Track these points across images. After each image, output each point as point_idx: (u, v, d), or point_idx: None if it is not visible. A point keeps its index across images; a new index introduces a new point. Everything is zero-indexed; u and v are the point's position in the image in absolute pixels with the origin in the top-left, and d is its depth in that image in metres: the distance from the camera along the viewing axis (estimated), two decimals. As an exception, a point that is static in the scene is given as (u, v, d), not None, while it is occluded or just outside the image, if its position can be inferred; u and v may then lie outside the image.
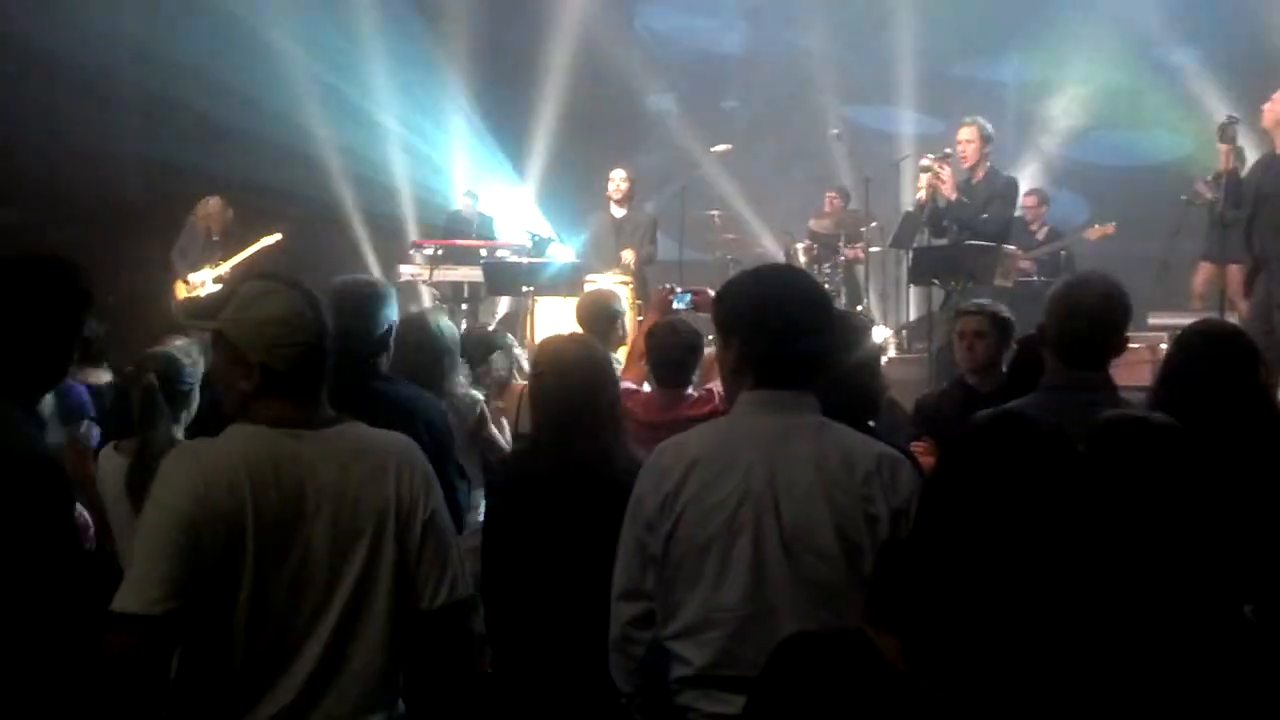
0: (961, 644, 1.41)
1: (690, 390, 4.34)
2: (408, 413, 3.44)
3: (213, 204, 9.52)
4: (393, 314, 3.74)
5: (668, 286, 5.09)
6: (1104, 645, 1.54)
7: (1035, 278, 8.99)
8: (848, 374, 2.85)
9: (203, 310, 2.35)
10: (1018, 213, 9.62)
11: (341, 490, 2.26)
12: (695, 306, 4.80)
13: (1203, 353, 3.19)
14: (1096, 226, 9.75)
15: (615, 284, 8.04)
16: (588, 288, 7.51)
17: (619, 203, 9.29)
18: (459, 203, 11.41)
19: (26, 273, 2.48)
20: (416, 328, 4.19)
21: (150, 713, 2.21)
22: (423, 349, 4.11)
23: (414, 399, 3.65)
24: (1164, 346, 8.12)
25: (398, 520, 2.30)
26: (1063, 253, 9.68)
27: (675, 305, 4.83)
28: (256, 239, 9.49)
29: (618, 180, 9.27)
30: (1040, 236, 9.83)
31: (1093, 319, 3.04)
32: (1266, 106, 6.35)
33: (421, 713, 2.44)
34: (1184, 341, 3.33)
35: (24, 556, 2.27)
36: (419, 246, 10.60)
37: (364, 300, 3.65)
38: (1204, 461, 1.99)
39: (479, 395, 4.43)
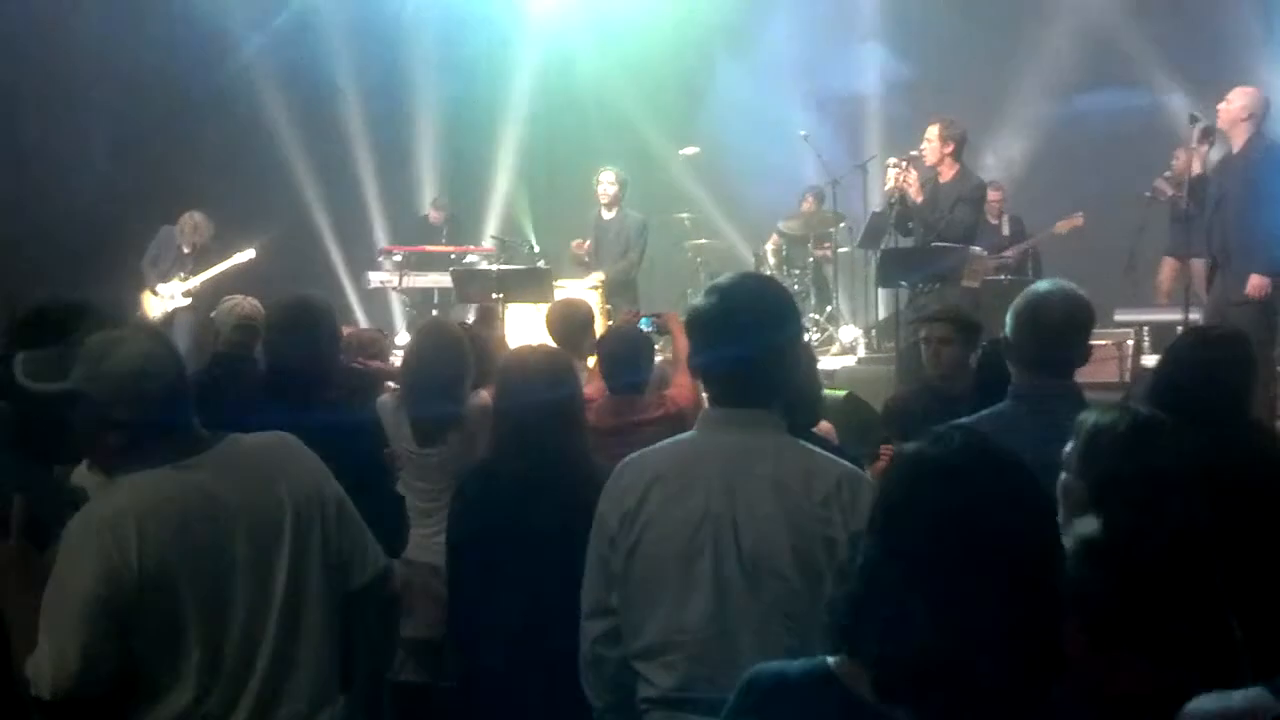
0: (926, 670, 1.42)
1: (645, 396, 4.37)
2: (345, 427, 3.44)
3: (197, 218, 9.41)
4: (322, 328, 3.72)
5: (633, 311, 5.20)
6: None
7: (1002, 277, 9.06)
8: None
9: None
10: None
11: (248, 505, 2.28)
12: (657, 330, 4.91)
13: (1195, 364, 3.15)
14: (1064, 220, 9.82)
15: (585, 290, 8.05)
16: (557, 295, 7.51)
17: (608, 205, 9.01)
18: (428, 209, 11.39)
19: None
20: (433, 338, 4.18)
21: None
22: (441, 361, 4.08)
23: (347, 416, 3.65)
24: (1130, 343, 8.26)
25: (310, 513, 2.35)
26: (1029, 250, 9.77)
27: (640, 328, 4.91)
28: (226, 253, 9.44)
29: (606, 183, 8.96)
30: (1006, 231, 9.90)
31: (1056, 332, 3.04)
32: (1221, 107, 6.43)
33: (363, 679, 2.51)
34: (1177, 351, 3.28)
35: None
36: (388, 253, 10.58)
37: (303, 315, 3.65)
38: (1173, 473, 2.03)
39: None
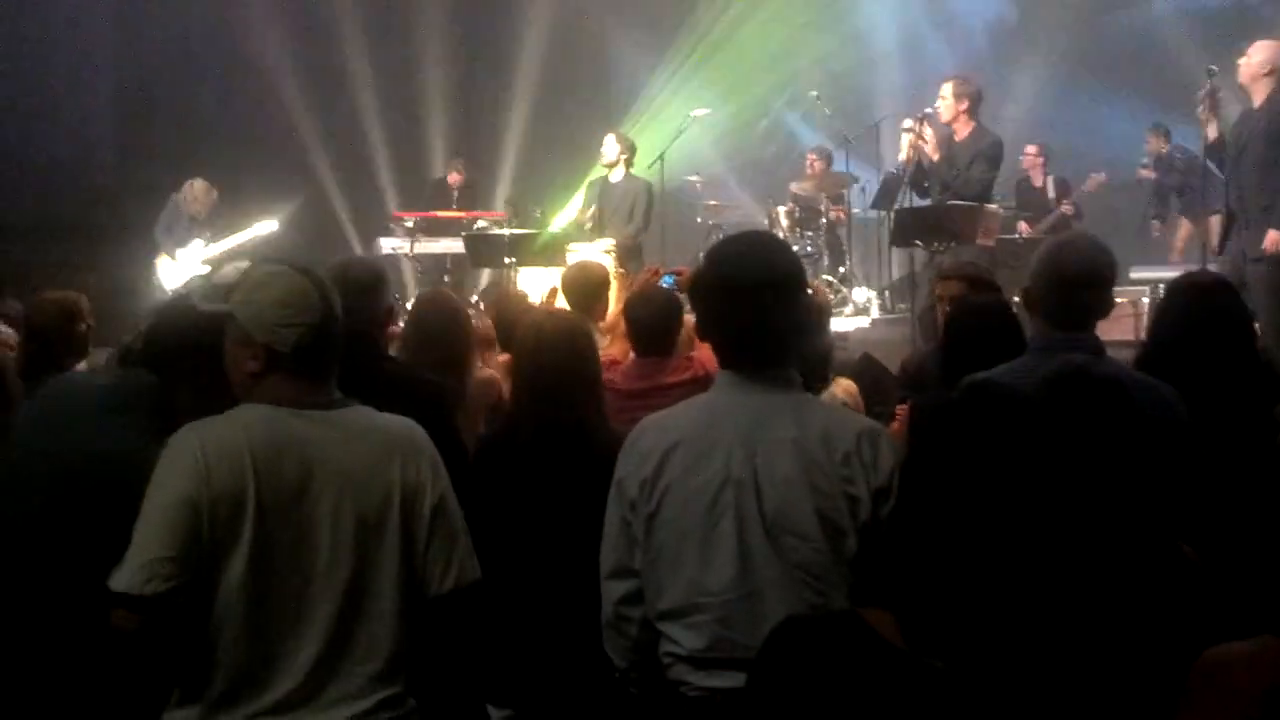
0: (954, 614, 1.43)
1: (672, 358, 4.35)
2: (412, 393, 3.46)
3: (198, 186, 9.46)
4: (390, 295, 3.79)
5: (654, 268, 5.16)
6: (1068, 595, 1.57)
7: (1018, 235, 9.02)
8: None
9: (217, 294, 2.42)
10: (1019, 171, 9.70)
11: (346, 472, 2.28)
12: (679, 287, 4.87)
13: (1192, 306, 3.28)
14: (1091, 177, 9.81)
15: (599, 254, 8.01)
16: (571, 259, 7.49)
17: (611, 168, 8.93)
18: (448, 171, 11.32)
19: None
20: (439, 308, 4.17)
21: (155, 689, 2.25)
22: (448, 330, 4.07)
23: (418, 380, 3.68)
24: (1145, 300, 8.22)
25: (404, 505, 2.33)
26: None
27: (661, 285, 4.88)
28: (238, 218, 9.43)
29: (609, 146, 8.90)
30: (1051, 193, 9.84)
31: (1080, 282, 3.04)
32: (1242, 61, 6.34)
33: (430, 691, 2.48)
34: (1174, 294, 3.44)
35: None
36: (399, 219, 10.56)
37: (366, 281, 3.68)
38: (1143, 414, 2.07)
39: (495, 374, 4.44)
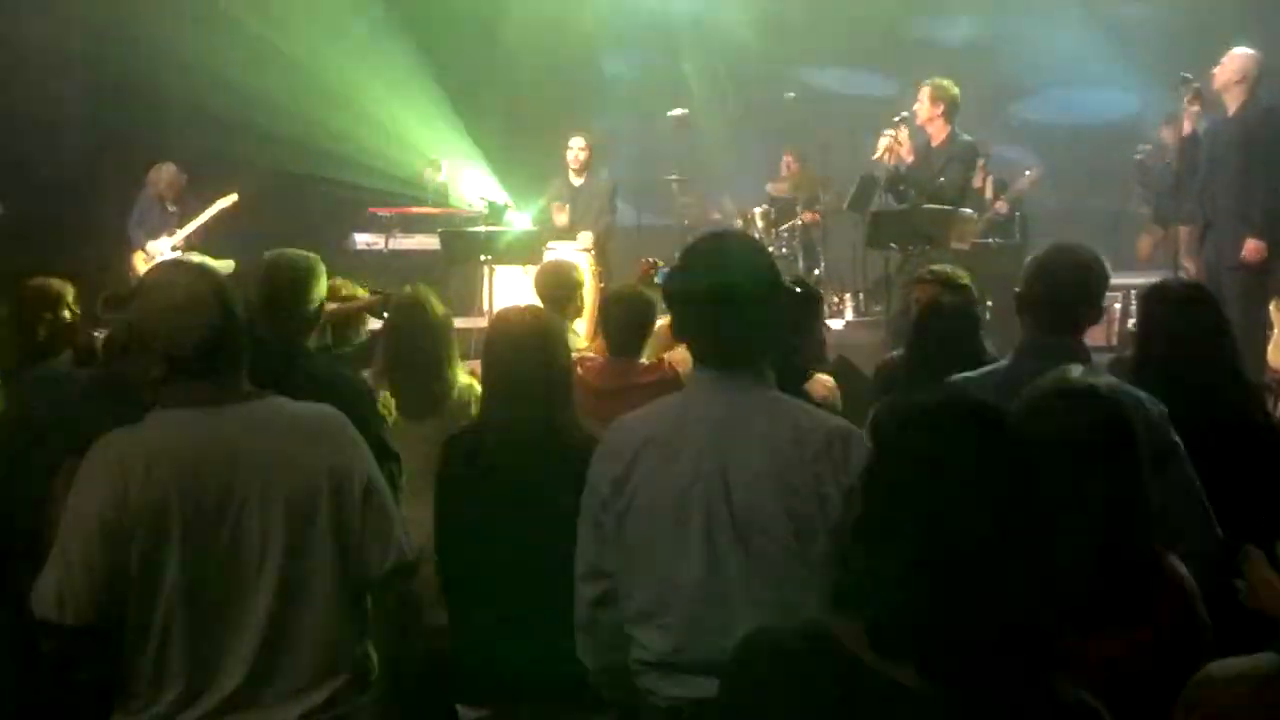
0: (920, 627, 1.41)
1: (643, 359, 4.37)
2: (329, 390, 3.42)
3: (167, 170, 9.36)
4: (322, 290, 3.73)
5: (650, 260, 5.13)
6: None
7: (990, 240, 9.05)
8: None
9: (118, 303, 2.40)
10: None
11: (269, 463, 2.27)
12: None
13: (1178, 310, 3.32)
14: (1025, 175, 9.81)
15: (575, 252, 8.00)
16: (547, 257, 7.47)
17: (577, 171, 9.06)
18: (426, 169, 11.24)
19: None
20: (412, 313, 4.08)
21: (87, 705, 2.24)
22: (423, 336, 4.01)
23: (337, 376, 3.63)
24: (1118, 306, 8.26)
25: (333, 489, 2.32)
26: (1017, 213, 9.77)
27: (657, 280, 4.89)
28: (211, 204, 9.35)
29: (576, 149, 9.01)
30: (989, 194, 9.87)
31: (1074, 289, 3.12)
32: (1217, 69, 6.39)
33: (392, 683, 2.49)
34: (1158, 300, 3.46)
35: None
36: (374, 214, 10.49)
37: (293, 277, 3.63)
38: (1131, 431, 2.11)
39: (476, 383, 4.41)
